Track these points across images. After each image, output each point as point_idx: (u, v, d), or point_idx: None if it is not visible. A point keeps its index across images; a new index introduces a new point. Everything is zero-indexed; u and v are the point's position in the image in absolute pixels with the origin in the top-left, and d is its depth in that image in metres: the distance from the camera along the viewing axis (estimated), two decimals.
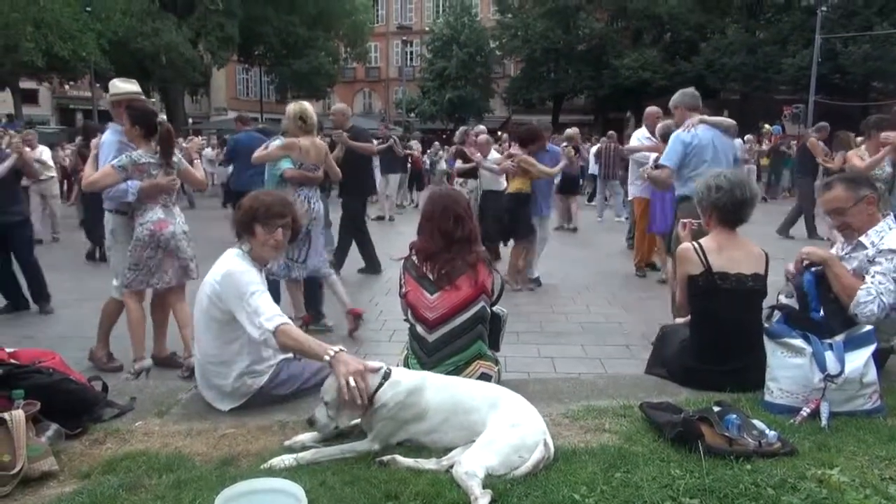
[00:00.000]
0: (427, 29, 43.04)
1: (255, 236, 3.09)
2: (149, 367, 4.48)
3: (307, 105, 5.54)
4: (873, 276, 3.08)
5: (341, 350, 2.61)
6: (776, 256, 3.48)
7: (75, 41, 20.06)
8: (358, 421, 2.62)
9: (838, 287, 3.12)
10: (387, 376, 2.57)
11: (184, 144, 5.38)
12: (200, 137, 12.60)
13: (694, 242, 3.32)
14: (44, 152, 10.32)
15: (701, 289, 3.25)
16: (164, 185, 4.44)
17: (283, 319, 2.81)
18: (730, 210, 3.32)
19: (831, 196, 3.33)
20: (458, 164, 9.16)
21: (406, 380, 2.60)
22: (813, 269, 3.19)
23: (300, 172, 5.29)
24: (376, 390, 2.53)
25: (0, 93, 23.30)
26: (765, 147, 19.49)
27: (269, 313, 2.82)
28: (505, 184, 7.61)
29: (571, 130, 11.89)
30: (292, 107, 5.49)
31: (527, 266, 7.40)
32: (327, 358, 2.59)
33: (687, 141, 4.94)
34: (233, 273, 2.95)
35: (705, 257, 3.22)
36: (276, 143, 5.45)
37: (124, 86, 4.72)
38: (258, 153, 5.46)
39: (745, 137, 17.40)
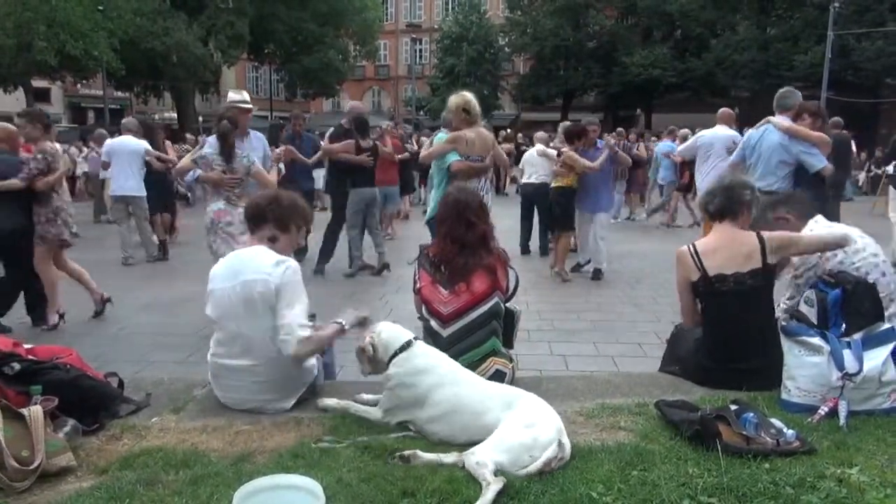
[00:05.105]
0: (436, 27, 43.03)
1: (289, 233, 3.11)
2: None
3: (470, 96, 5.35)
4: None
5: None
6: None
7: (87, 40, 20.20)
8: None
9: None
10: (407, 346, 2.68)
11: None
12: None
13: (690, 245, 3.29)
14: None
15: (702, 293, 3.24)
16: (213, 178, 5.04)
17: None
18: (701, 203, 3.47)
19: None
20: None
21: (419, 360, 2.67)
22: (840, 287, 3.04)
23: (467, 164, 5.18)
24: (393, 356, 2.67)
25: (13, 91, 23.43)
26: None
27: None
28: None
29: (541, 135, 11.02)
30: (454, 98, 5.33)
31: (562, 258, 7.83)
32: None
33: None
34: (295, 269, 2.91)
35: (700, 261, 3.20)
36: (439, 137, 5.27)
37: (234, 95, 5.55)
38: (426, 151, 5.33)
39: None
